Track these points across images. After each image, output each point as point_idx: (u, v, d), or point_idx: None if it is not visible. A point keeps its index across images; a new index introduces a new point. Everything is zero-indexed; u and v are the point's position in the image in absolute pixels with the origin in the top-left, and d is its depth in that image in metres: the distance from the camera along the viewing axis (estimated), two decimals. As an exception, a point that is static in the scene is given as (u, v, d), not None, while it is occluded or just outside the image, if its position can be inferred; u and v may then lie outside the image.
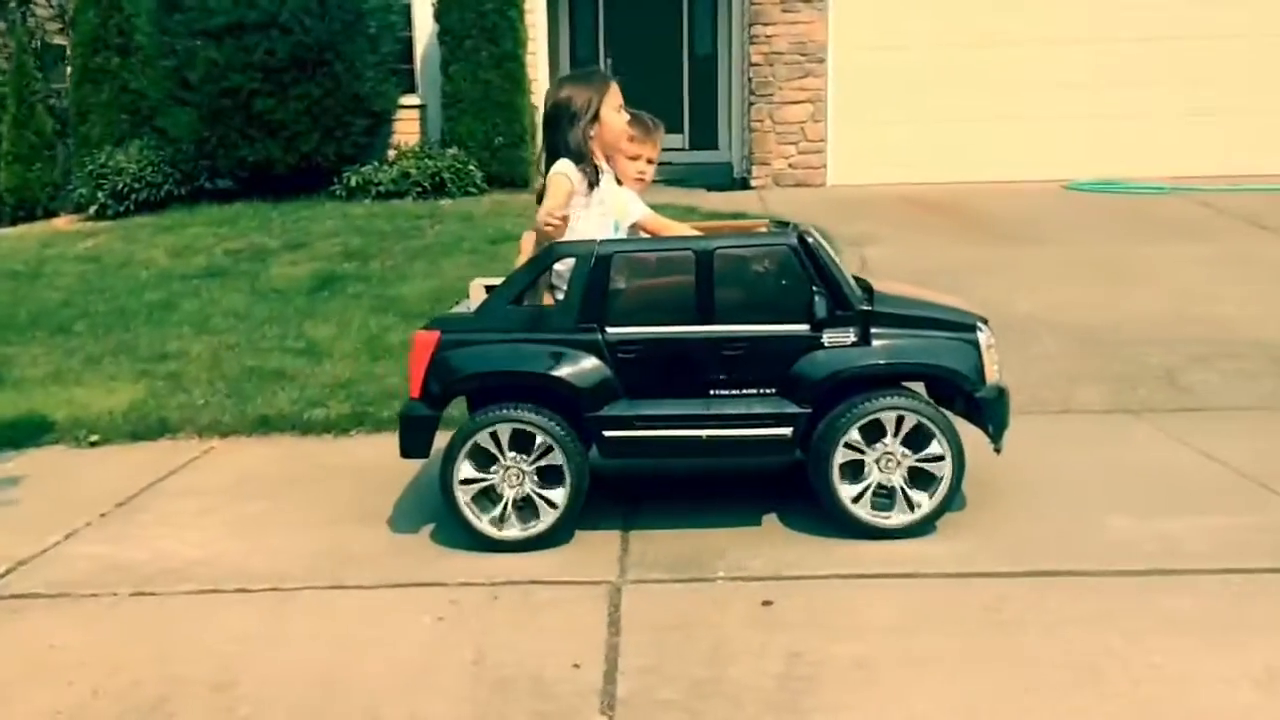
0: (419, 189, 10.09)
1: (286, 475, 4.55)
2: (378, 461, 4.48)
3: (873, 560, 3.41)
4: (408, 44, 11.42)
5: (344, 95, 10.09)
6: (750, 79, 10.51)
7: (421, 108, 11.52)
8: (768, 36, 10.43)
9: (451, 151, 10.46)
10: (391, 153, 10.88)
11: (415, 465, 4.17)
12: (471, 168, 10.41)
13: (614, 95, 3.71)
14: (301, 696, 2.75)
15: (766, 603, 3.13)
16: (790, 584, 3.28)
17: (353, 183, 10.11)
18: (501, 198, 10.18)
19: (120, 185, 10.13)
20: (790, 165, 10.58)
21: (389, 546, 3.73)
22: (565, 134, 3.59)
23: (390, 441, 3.85)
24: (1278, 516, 3.69)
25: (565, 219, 3.51)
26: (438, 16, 10.65)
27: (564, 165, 3.58)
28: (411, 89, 11.45)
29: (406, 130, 11.42)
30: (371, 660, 2.91)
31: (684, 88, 13.32)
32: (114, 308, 7.10)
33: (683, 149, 12.90)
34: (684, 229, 3.85)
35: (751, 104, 10.57)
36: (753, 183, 10.59)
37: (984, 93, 10.51)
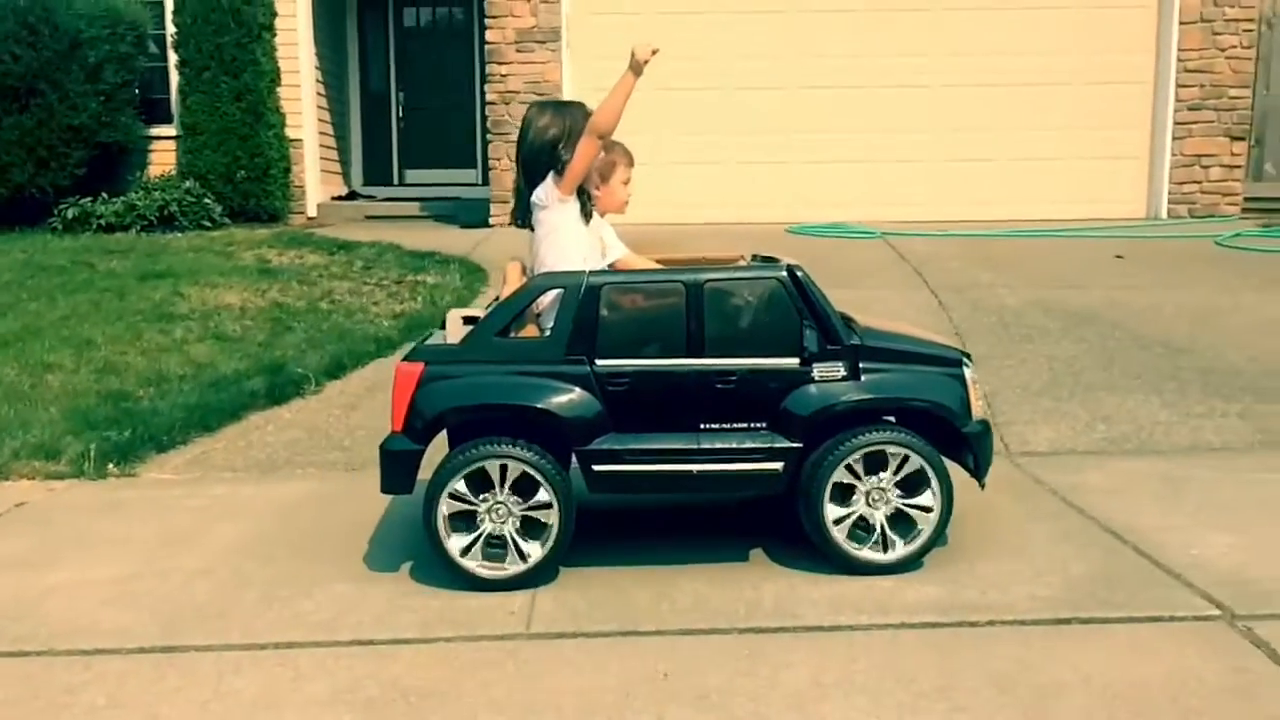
0: (144, 222, 10.00)
1: None
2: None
3: (842, 604, 3.27)
4: (163, 74, 11.38)
5: (58, 126, 9.90)
6: (487, 117, 10.55)
7: (178, 138, 11.47)
8: (502, 76, 10.47)
9: (187, 184, 10.40)
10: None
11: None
12: (208, 201, 10.34)
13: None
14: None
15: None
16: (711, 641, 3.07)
17: (70, 215, 9.84)
18: (238, 232, 10.09)
19: None
20: (530, 203, 10.60)
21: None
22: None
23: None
24: None
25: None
26: (175, 47, 10.63)
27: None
28: (168, 119, 11.40)
29: (163, 162, 11.34)
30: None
31: (477, 122, 13.36)
32: None
33: (475, 184, 12.95)
34: (657, 267, 3.86)
35: (489, 142, 10.61)
36: (491, 220, 10.60)
37: (723, 135, 10.65)
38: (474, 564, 3.43)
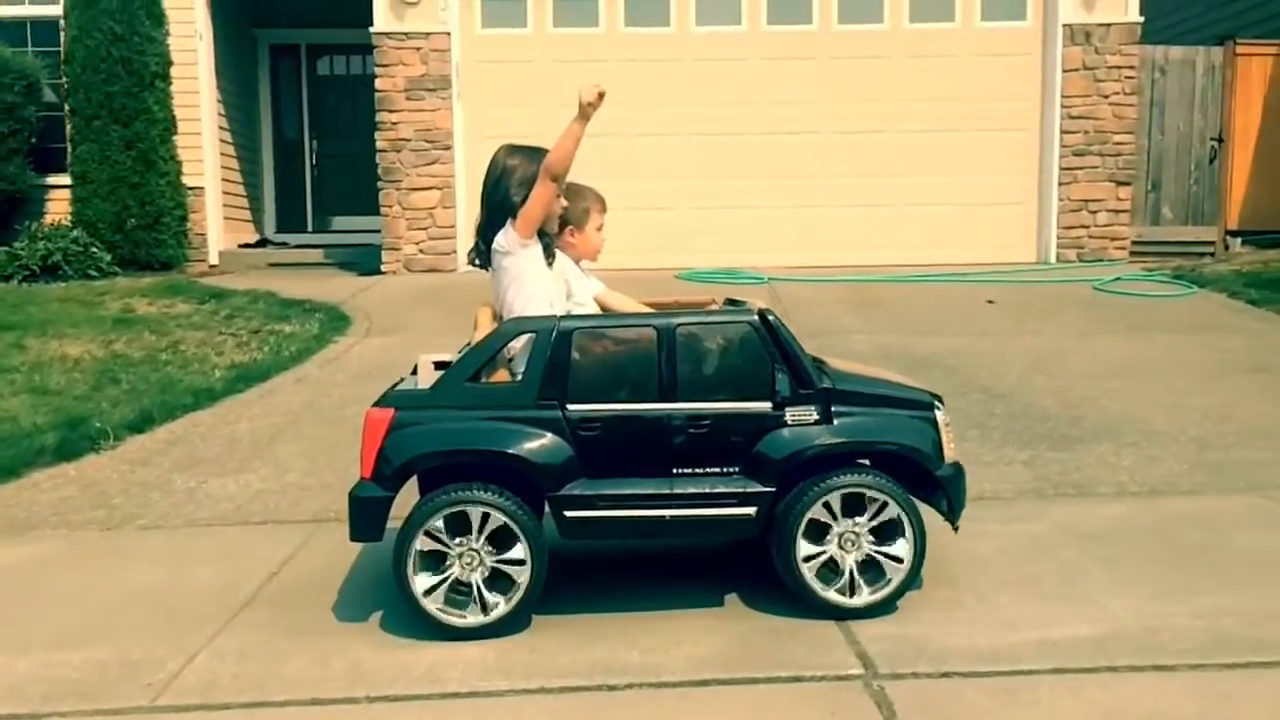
0: (26, 272, 9.93)
1: None
2: None
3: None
4: (60, 123, 11.38)
5: (-70, 175, 9.93)
6: (378, 164, 10.59)
7: (71, 187, 11.42)
8: (393, 124, 10.50)
9: (75, 233, 10.36)
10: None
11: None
12: (95, 250, 10.28)
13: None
14: None
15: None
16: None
17: (-57, 264, 9.88)
18: (123, 281, 9.96)
19: None
20: (421, 250, 10.59)
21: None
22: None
23: None
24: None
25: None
26: (64, 96, 10.67)
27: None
28: (63, 168, 11.37)
29: (59, 211, 11.29)
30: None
31: (387, 169, 13.40)
32: None
33: (388, 231, 12.93)
34: (640, 306, 3.87)
35: (381, 189, 10.62)
36: (382, 267, 10.59)
37: (618, 181, 10.64)
38: (434, 607, 3.39)
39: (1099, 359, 6.97)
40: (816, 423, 3.46)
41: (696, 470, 3.44)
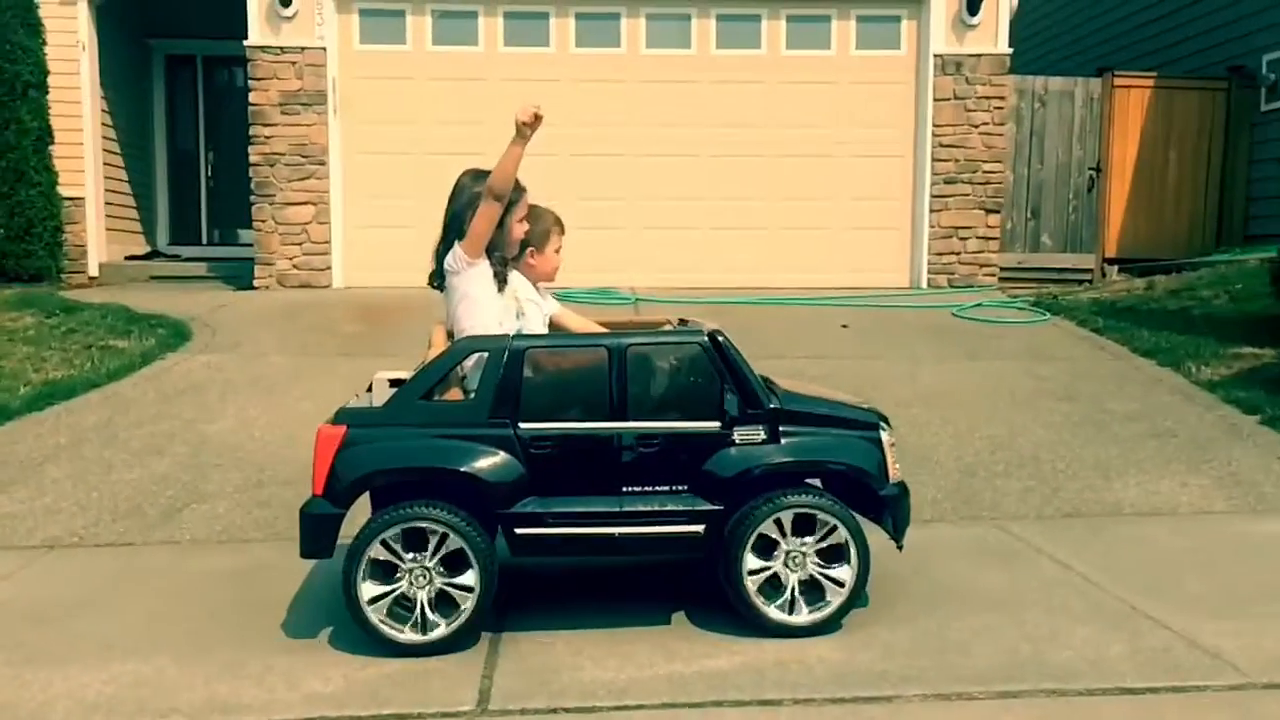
0: (-116, 284, 9.83)
1: None
2: None
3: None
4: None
5: None
6: (251, 179, 10.53)
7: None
8: (266, 138, 10.46)
9: (-60, 246, 10.24)
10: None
11: None
12: (-42, 261, 10.19)
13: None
14: None
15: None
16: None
17: None
18: (-9, 292, 9.92)
19: None
20: (295, 266, 10.52)
21: None
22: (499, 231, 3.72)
23: None
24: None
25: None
26: (-71, 110, 10.54)
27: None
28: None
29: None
30: None
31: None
32: None
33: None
34: (596, 326, 3.97)
35: (254, 204, 10.56)
36: (255, 283, 10.52)
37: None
38: (377, 617, 3.41)
39: (918, 385, 7.05)
40: (764, 442, 3.55)
41: (646, 488, 3.52)
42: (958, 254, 10.71)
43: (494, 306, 3.70)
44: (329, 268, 10.50)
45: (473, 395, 3.51)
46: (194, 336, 8.12)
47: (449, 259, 3.72)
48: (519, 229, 3.83)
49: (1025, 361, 7.67)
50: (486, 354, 3.52)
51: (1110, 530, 4.68)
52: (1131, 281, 10.93)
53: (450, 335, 3.81)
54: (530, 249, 3.94)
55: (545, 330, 3.90)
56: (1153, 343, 7.93)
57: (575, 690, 3.16)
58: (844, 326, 8.90)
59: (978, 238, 10.70)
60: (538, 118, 3.52)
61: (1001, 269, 11.01)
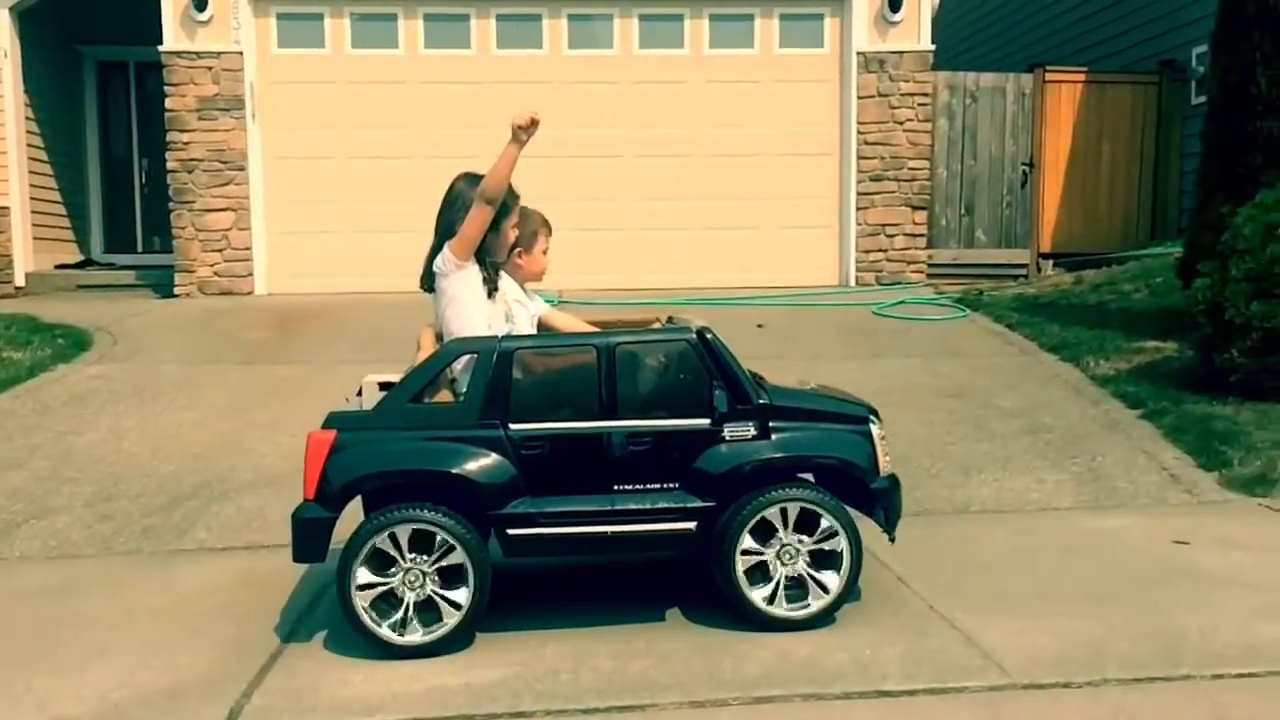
0: None
1: None
2: None
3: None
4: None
5: None
6: (169, 185, 10.42)
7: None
8: (184, 144, 10.36)
9: None
10: None
11: None
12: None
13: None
14: None
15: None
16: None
17: None
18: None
19: None
20: (216, 273, 10.42)
21: None
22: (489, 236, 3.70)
23: None
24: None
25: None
26: None
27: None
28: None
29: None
30: None
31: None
32: None
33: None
34: (584, 325, 3.95)
35: (173, 211, 10.46)
36: (175, 290, 10.41)
37: (420, 204, 10.58)
38: (361, 606, 3.39)
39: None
40: (754, 438, 3.55)
41: (638, 486, 3.51)
42: (885, 251, 10.64)
43: (482, 309, 3.70)
44: (250, 274, 10.40)
45: (463, 397, 3.52)
46: (93, 346, 8.03)
47: (438, 261, 3.72)
48: (513, 235, 3.84)
49: (929, 359, 7.61)
50: (476, 355, 3.53)
51: (950, 530, 4.62)
52: (1062, 276, 10.88)
53: (439, 338, 3.81)
54: (518, 249, 3.94)
55: (533, 331, 3.89)
56: (1060, 338, 7.88)
57: (328, 706, 3.07)
58: (760, 326, 8.83)
59: (905, 235, 10.63)
60: (534, 122, 3.53)
61: (936, 265, 10.96)
